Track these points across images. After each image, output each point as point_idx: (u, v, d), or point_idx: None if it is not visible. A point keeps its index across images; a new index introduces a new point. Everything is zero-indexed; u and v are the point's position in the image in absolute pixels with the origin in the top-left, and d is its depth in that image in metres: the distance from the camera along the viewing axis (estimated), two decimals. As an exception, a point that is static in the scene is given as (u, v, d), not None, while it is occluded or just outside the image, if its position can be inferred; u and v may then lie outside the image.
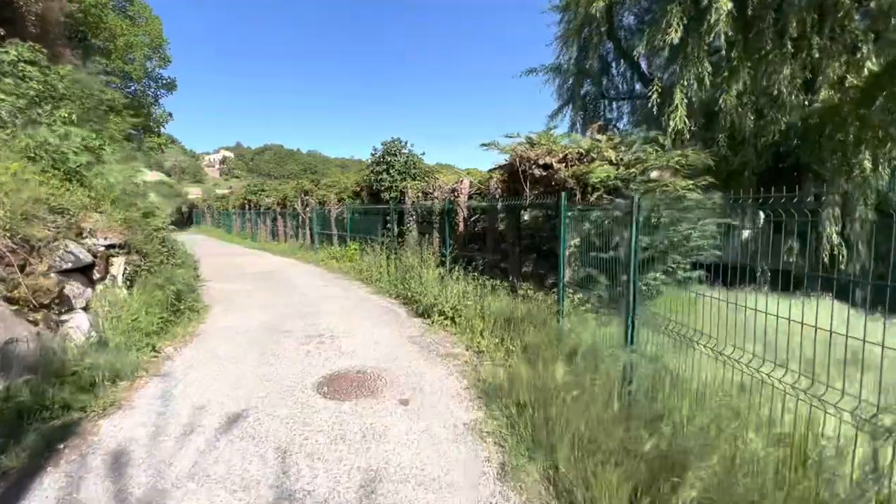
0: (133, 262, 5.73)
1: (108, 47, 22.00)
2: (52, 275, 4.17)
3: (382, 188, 12.04)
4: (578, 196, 6.24)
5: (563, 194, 5.27)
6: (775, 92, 9.34)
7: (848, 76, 9.21)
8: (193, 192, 66.91)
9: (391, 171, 12.02)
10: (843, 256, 9.38)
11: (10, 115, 5.58)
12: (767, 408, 2.60)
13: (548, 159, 6.57)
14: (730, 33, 8.87)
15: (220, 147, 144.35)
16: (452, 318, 6.15)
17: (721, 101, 9.42)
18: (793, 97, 9.32)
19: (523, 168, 6.83)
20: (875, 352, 1.98)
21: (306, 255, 15.02)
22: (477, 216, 9.51)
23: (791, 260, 9.95)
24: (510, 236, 7.89)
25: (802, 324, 2.40)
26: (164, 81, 27.94)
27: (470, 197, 9.05)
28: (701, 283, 5.63)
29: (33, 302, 3.83)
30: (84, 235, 5.00)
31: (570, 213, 5.46)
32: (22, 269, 3.86)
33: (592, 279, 5.65)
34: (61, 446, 3.01)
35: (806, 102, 9.52)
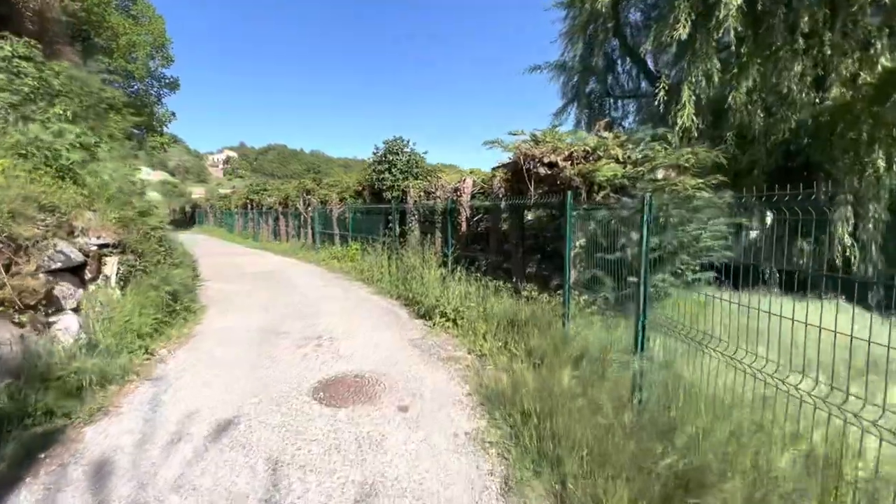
0: (127, 261, 5.59)
1: (111, 46, 21.96)
2: (41, 275, 4.03)
3: (384, 187, 11.89)
4: (584, 195, 6.06)
5: (569, 193, 5.09)
6: (785, 89, 9.13)
7: (861, 73, 8.98)
8: (197, 192, 67.09)
9: (393, 170, 11.86)
10: (855, 258, 9.15)
11: (2, 112, 5.46)
12: (791, 419, 2.43)
13: (553, 157, 6.39)
14: (739, 29, 8.67)
15: (224, 147, 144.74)
16: (454, 321, 5.98)
17: (730, 98, 9.22)
18: (803, 94, 9.11)
19: (527, 166, 6.65)
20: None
21: (308, 254, 14.89)
22: (480, 216, 9.35)
23: (801, 261, 9.74)
24: (514, 236, 7.72)
25: (821, 328, 2.23)
26: (167, 81, 27.91)
27: (473, 196, 8.89)
28: (709, 285, 5.46)
29: (18, 303, 3.69)
30: (76, 234, 4.86)
31: (575, 213, 5.28)
32: (7, 268, 3.72)
33: (598, 281, 5.48)
34: (42, 455, 2.86)
35: (817, 100, 9.30)
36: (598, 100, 14.09)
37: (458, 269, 7.49)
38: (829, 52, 8.86)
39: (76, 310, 4.53)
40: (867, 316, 2.66)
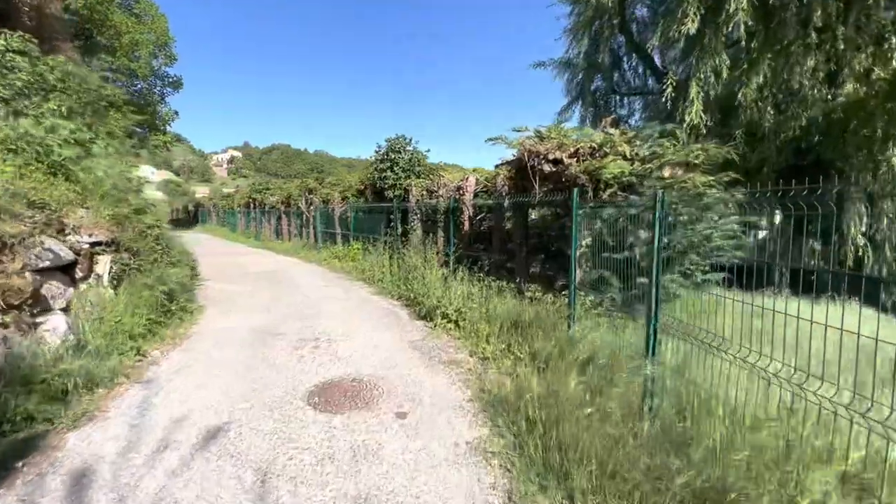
0: (121, 260, 5.45)
1: (114, 45, 21.92)
2: (27, 274, 3.89)
3: (386, 186, 11.73)
4: (590, 193, 5.88)
5: (575, 190, 4.91)
6: (797, 85, 8.91)
7: (874, 68, 8.75)
8: (201, 191, 67.32)
9: (395, 168, 11.70)
10: (868, 257, 8.93)
11: (-7, 106, 5.34)
12: (816, 427, 2.25)
13: (558, 154, 6.21)
14: (750, 23, 8.47)
15: (229, 147, 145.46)
16: (456, 322, 5.81)
17: (740, 94, 9.01)
18: (815, 90, 8.90)
19: (532, 163, 6.47)
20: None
21: (309, 254, 14.76)
22: (483, 215, 9.17)
23: (812, 262, 9.51)
24: (517, 235, 7.53)
25: (842, 331, 2.05)
26: (171, 79, 27.86)
27: (475, 195, 8.71)
28: (717, 286, 5.27)
29: (2, 303, 3.55)
30: (67, 232, 4.72)
31: (581, 211, 5.10)
32: (-9, 267, 3.58)
33: (605, 281, 5.30)
34: (19, 464, 2.72)
35: (829, 96, 9.07)
36: (603, 97, 13.88)
37: (461, 268, 7.33)
38: (841, 47, 8.63)
39: (66, 310, 4.39)
40: (881, 317, 2.49)
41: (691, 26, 8.65)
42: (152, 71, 26.02)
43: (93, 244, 5.01)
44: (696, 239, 5.19)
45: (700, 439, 2.51)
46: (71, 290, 4.56)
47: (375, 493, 2.49)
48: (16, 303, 3.68)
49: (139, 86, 25.52)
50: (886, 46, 8.54)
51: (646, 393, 3.15)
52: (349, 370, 4.40)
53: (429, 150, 12.28)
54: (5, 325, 3.57)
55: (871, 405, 1.94)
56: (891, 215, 8.62)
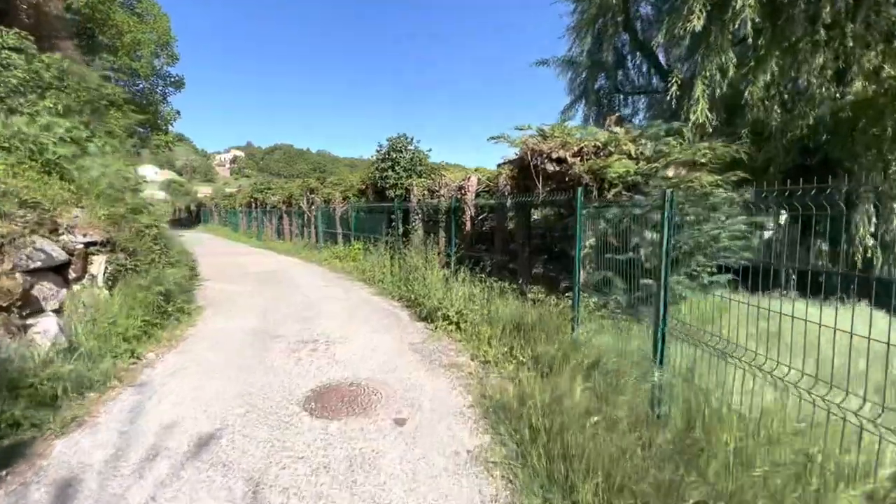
0: (117, 260, 5.36)
1: (115, 44, 21.88)
2: (17, 275, 3.80)
3: (387, 186, 11.62)
4: (595, 192, 5.76)
5: (579, 189, 4.79)
6: (805, 83, 8.75)
7: (884, 66, 8.57)
8: (203, 191, 67.46)
9: (396, 168, 11.59)
10: (878, 259, 8.76)
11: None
12: (837, 440, 2.12)
13: (562, 153, 6.09)
14: (757, 20, 8.29)
15: (231, 146, 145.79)
16: (457, 324, 5.70)
17: (747, 93, 8.84)
18: (823, 89, 8.72)
19: (535, 162, 6.35)
20: None
21: (310, 254, 14.68)
22: (485, 215, 9.06)
23: (820, 262, 9.35)
24: (520, 236, 7.42)
25: (870, 339, 1.93)
26: (173, 79, 27.78)
27: (477, 195, 8.60)
28: (723, 287, 5.14)
29: (-10, 305, 3.46)
30: (60, 232, 4.64)
31: (584, 211, 4.98)
32: (-21, 268, 3.49)
33: (609, 282, 5.18)
34: (3, 473, 2.61)
35: (837, 95, 8.90)
36: (606, 96, 13.73)
37: (462, 269, 7.21)
38: (850, 45, 8.45)
39: (59, 311, 4.30)
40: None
41: (697, 23, 8.49)
42: (154, 70, 25.95)
43: (87, 244, 4.92)
44: (704, 240, 5.07)
45: (713, 451, 2.39)
46: (64, 291, 4.47)
47: (371, 506, 2.38)
48: (4, 304, 3.59)
49: (141, 85, 25.46)
50: (896, 44, 8.37)
51: (654, 400, 3.03)
52: (347, 374, 4.29)
53: (430, 150, 12.18)
54: (-7, 328, 3.48)
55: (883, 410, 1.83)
56: (901, 216, 8.45)
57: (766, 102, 9.06)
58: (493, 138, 6.90)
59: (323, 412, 3.47)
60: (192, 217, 43.20)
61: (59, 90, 6.74)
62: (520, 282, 6.59)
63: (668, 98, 9.69)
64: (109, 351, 4.33)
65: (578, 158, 6.05)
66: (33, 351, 3.63)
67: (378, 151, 12.16)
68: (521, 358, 4.37)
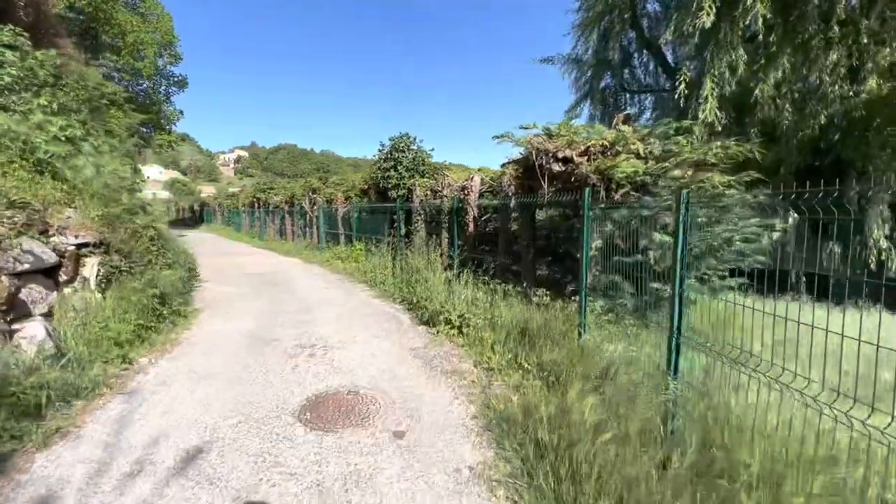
0: (110, 262, 5.23)
1: (118, 44, 21.86)
2: (3, 278, 3.66)
3: (389, 186, 11.47)
4: (602, 193, 5.58)
5: (587, 190, 4.61)
6: (817, 81, 8.53)
7: (900, 64, 8.35)
8: (207, 191, 67.64)
9: (399, 167, 11.43)
10: (892, 261, 8.53)
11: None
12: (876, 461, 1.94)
13: (568, 152, 5.91)
14: (768, 16, 8.09)
15: (236, 146, 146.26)
16: (460, 328, 5.53)
17: (757, 91, 8.63)
18: (836, 87, 8.50)
19: (540, 162, 6.17)
20: None
21: (312, 254, 14.55)
22: (488, 215, 8.89)
23: (831, 265, 9.12)
24: (524, 237, 7.24)
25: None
26: (176, 79, 27.82)
27: (481, 195, 8.42)
28: (731, 290, 4.95)
29: (-28, 310, 3.33)
30: (50, 233, 4.50)
31: (591, 212, 4.80)
32: (-38, 271, 3.36)
33: (616, 286, 5.01)
34: (-23, 490, 2.47)
35: (851, 93, 8.67)
36: (612, 95, 13.52)
37: (465, 271, 7.05)
38: (864, 41, 8.23)
39: (47, 315, 4.16)
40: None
41: (706, 20, 8.29)
42: (157, 70, 25.96)
43: (79, 246, 4.79)
44: (716, 242, 4.88)
45: (734, 474, 2.21)
46: (54, 294, 4.34)
47: (366, 531, 2.22)
48: (-12, 309, 3.45)
49: (144, 85, 25.46)
50: (912, 41, 8.14)
51: (668, 415, 2.85)
52: (345, 381, 4.13)
53: (433, 150, 12.02)
54: (-24, 334, 3.34)
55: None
56: (917, 217, 8.23)
57: (777, 101, 8.85)
58: (497, 137, 6.73)
59: (318, 423, 3.31)
60: (195, 217, 43.25)
61: (54, 88, 6.62)
62: (524, 284, 6.41)
63: (676, 97, 9.49)
64: (100, 356, 4.19)
65: (585, 158, 5.87)
66: (18, 357, 3.49)
67: (380, 151, 12.01)
68: (526, 365, 4.20)
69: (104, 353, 4.27)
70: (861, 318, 2.20)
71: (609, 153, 5.81)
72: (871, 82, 8.39)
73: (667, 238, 4.85)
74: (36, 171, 4.91)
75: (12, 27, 6.12)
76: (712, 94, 8.79)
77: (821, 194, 2.14)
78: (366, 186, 13.33)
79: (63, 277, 4.50)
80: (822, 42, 8.24)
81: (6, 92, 5.53)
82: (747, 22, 8.31)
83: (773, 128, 9.35)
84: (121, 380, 4.08)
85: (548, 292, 5.61)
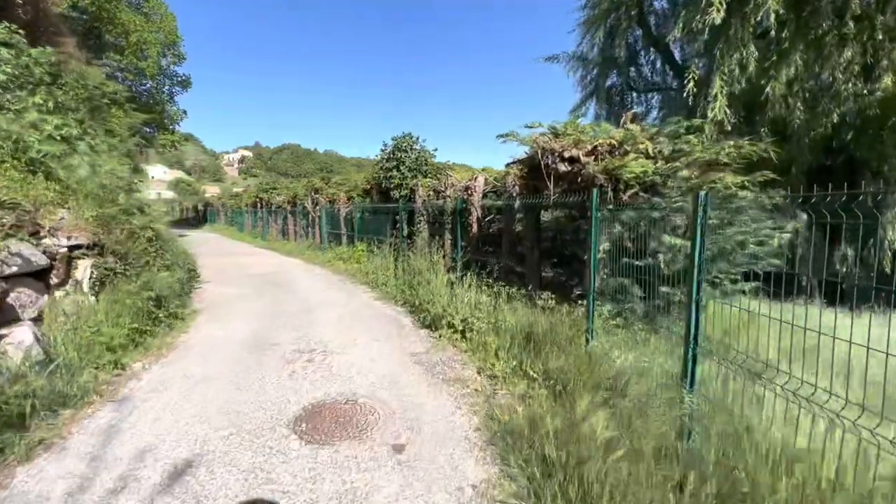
0: (104, 264, 5.11)
1: (122, 43, 21.83)
2: (-11, 281, 3.54)
3: (392, 186, 11.32)
4: (610, 194, 5.41)
5: (595, 190, 4.44)
6: (830, 79, 8.31)
7: (916, 61, 8.11)
8: (211, 191, 67.83)
9: (401, 167, 11.28)
10: (907, 265, 8.29)
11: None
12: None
13: (574, 151, 5.74)
14: (781, 12, 7.87)
15: (240, 146, 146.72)
16: (462, 332, 5.38)
17: (768, 88, 8.41)
18: (850, 85, 8.27)
19: (546, 162, 6.00)
20: None
21: (314, 255, 14.42)
22: (492, 216, 8.72)
23: (844, 268, 8.90)
24: (528, 238, 7.07)
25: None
26: (179, 78, 27.78)
27: (484, 195, 8.26)
28: (743, 294, 4.78)
29: (-45, 315, 3.20)
30: (41, 235, 4.38)
31: (599, 214, 4.63)
32: (-56, 275, 3.23)
33: (624, 290, 4.85)
34: (-49, 509, 2.34)
35: (865, 91, 8.44)
36: (618, 94, 13.31)
37: (468, 274, 6.88)
38: (879, 38, 8.01)
39: (37, 320, 4.04)
40: None
41: (716, 16, 8.09)
42: (161, 70, 25.91)
43: (72, 247, 4.67)
44: (730, 245, 4.70)
45: (758, 500, 2.04)
46: (44, 298, 4.21)
47: (361, 558, 2.06)
48: (-29, 315, 3.32)
49: (147, 85, 25.42)
50: (929, 37, 7.91)
51: (683, 430, 2.68)
52: (343, 389, 3.98)
53: (436, 149, 11.86)
54: (-41, 340, 3.22)
55: None
56: (933, 219, 8.00)
57: (789, 99, 8.63)
58: (501, 136, 6.57)
59: (314, 435, 3.16)
60: (199, 217, 43.31)
61: (51, 86, 6.51)
62: (528, 287, 6.25)
63: (685, 95, 9.28)
64: (91, 362, 4.06)
65: (592, 157, 5.69)
66: (3, 364, 3.36)
67: (383, 151, 11.87)
68: (532, 373, 4.03)
69: (95, 358, 4.14)
70: (889, 328, 2.03)
71: (617, 153, 5.63)
72: (887, 80, 8.15)
73: (678, 241, 4.68)
74: (28, 171, 4.79)
75: (7, 24, 6.01)
76: (722, 92, 8.58)
77: (840, 197, 2.01)
78: (368, 186, 13.20)
79: (54, 280, 4.38)
80: (836, 38, 8.02)
81: (0, 90, 5.41)
82: (759, 18, 8.10)
83: (783, 127, 9.13)
84: (112, 386, 3.95)
85: (553, 296, 5.45)
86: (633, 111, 8.31)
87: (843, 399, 1.99)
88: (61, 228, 4.63)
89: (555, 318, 4.81)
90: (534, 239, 6.98)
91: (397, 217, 10.63)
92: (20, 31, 6.09)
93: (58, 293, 4.41)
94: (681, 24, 9.05)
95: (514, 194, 7.06)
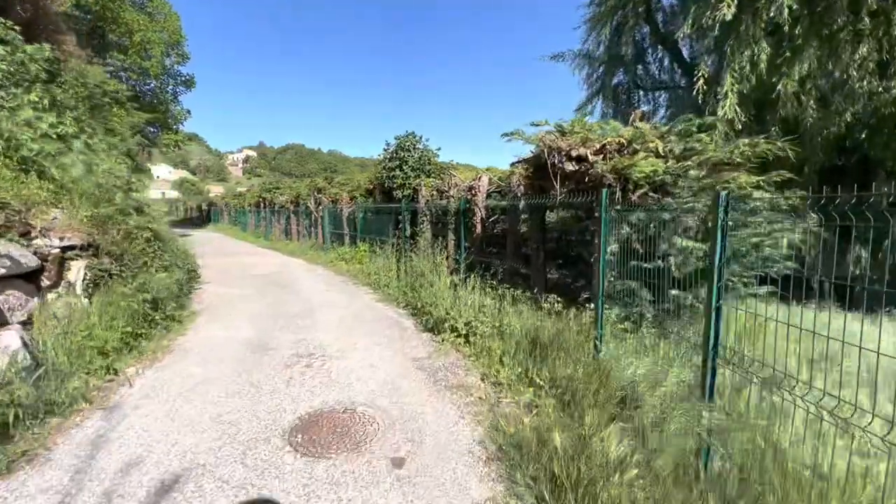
0: (99, 266, 4.98)
1: (125, 43, 21.81)
2: (-25, 284, 3.41)
3: (395, 186, 11.17)
4: (618, 194, 5.23)
5: (604, 191, 4.27)
6: (844, 77, 8.08)
7: (934, 57, 7.87)
8: (215, 190, 67.98)
9: (404, 167, 11.13)
10: (924, 268, 8.05)
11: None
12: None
13: (582, 150, 5.56)
14: (794, 7, 7.65)
15: (244, 146, 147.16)
16: (466, 337, 5.22)
17: (780, 86, 8.19)
18: (864, 83, 8.04)
19: (552, 161, 5.83)
20: None
21: (316, 255, 14.30)
22: (496, 217, 8.55)
23: (857, 271, 8.67)
24: (534, 239, 6.90)
25: None
26: (183, 78, 27.72)
27: (489, 195, 8.09)
28: (756, 298, 4.60)
29: (-64, 320, 3.07)
30: (33, 235, 4.25)
31: (607, 215, 4.46)
32: (-74, 277, 3.10)
33: (634, 293, 4.67)
34: (-78, 528, 2.20)
35: (880, 89, 8.21)
36: (625, 92, 13.09)
37: (472, 276, 6.72)
38: (895, 34, 7.77)
39: (26, 323, 3.91)
40: None
41: (727, 12, 7.88)
42: (164, 69, 25.88)
43: (64, 248, 4.54)
44: (745, 248, 4.51)
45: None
46: (35, 300, 4.08)
47: (355, 588, 1.90)
48: (-46, 319, 3.19)
49: (151, 84, 25.40)
50: (947, 33, 7.67)
51: (702, 447, 2.51)
52: (342, 397, 3.82)
53: (439, 149, 11.71)
54: (-59, 346, 3.09)
55: None
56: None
57: (802, 97, 8.40)
58: (506, 135, 6.39)
59: (310, 447, 3.00)
60: (203, 216, 43.37)
61: (49, 84, 6.40)
62: (534, 290, 6.07)
63: (694, 93, 9.06)
64: (82, 367, 3.93)
65: (600, 156, 5.51)
66: (-12, 371, 3.22)
67: (385, 150, 11.72)
68: (538, 381, 3.87)
69: (87, 363, 4.01)
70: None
71: (626, 151, 5.46)
72: (903, 77, 7.92)
73: (690, 243, 4.50)
74: (20, 170, 4.67)
75: (2, 21, 5.90)
76: (732, 90, 8.37)
77: (860, 198, 1.88)
78: (371, 186, 13.06)
79: (46, 282, 4.25)
80: (851, 35, 7.79)
81: (-5, 87, 5.30)
82: (771, 13, 7.88)
83: (795, 126, 8.91)
84: (103, 393, 3.82)
85: (559, 299, 5.28)
86: (641, 109, 8.13)
87: (870, 412, 1.83)
88: (54, 229, 4.51)
89: (561, 323, 4.65)
90: (539, 240, 6.81)
91: (400, 217, 10.49)
92: (16, 27, 5.98)
93: (49, 295, 4.29)
94: (690, 21, 8.84)
95: (519, 194, 6.88)
